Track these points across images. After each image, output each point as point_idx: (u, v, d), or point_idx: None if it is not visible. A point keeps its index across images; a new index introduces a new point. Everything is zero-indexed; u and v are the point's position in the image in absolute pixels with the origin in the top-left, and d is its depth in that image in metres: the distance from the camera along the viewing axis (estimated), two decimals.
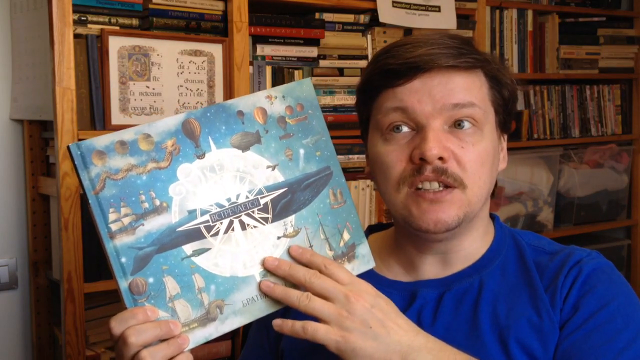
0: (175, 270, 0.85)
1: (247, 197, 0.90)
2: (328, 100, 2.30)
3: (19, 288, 2.15)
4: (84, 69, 1.84)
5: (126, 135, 0.85)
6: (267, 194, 0.91)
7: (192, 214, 0.87)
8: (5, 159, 2.12)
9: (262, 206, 0.90)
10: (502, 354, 0.92)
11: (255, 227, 0.89)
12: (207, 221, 0.87)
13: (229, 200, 0.89)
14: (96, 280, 1.87)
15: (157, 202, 0.85)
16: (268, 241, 0.90)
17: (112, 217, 0.83)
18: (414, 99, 0.93)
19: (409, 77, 0.93)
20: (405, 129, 0.94)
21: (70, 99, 1.79)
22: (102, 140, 0.84)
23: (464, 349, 0.92)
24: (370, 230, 1.12)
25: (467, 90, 0.94)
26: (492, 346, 0.92)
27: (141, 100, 1.90)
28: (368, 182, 2.33)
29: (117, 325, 0.83)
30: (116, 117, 1.87)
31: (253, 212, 0.90)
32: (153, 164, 0.86)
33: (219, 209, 0.88)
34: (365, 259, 0.96)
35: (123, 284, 0.84)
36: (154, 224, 0.85)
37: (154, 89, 1.92)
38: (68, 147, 0.83)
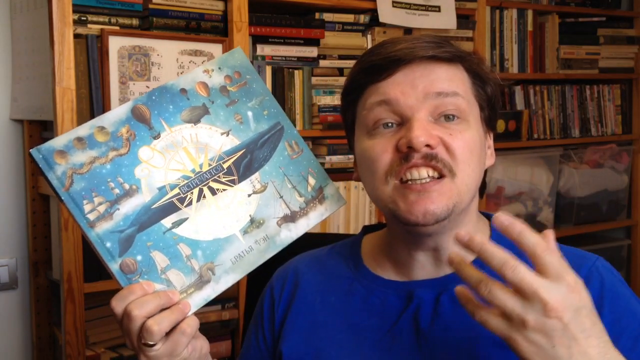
0: (160, 244, 0.90)
1: (210, 164, 0.95)
2: (328, 100, 2.30)
3: (19, 288, 2.15)
4: (84, 69, 1.85)
5: (81, 131, 0.90)
6: (227, 158, 0.97)
7: (161, 190, 0.92)
8: (5, 159, 2.12)
9: (226, 170, 0.96)
10: (503, 356, 0.91)
11: (224, 190, 0.95)
12: (178, 194, 0.93)
13: (193, 171, 0.94)
14: (96, 280, 1.87)
15: (127, 186, 0.90)
16: (240, 200, 0.96)
17: (87, 208, 0.88)
18: (397, 91, 0.93)
19: (391, 71, 0.93)
20: (390, 124, 0.94)
21: (70, 99, 1.79)
22: (60, 140, 0.89)
23: (464, 351, 0.92)
24: (365, 231, 1.12)
25: (450, 80, 0.94)
26: (494, 348, 0.92)
27: None
28: None
29: (117, 304, 0.86)
30: None
31: (219, 177, 0.95)
32: (114, 152, 0.91)
33: (186, 181, 0.93)
34: (335, 198, 1.03)
35: (114, 267, 0.88)
36: (129, 207, 0.90)
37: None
38: (29, 153, 0.88)
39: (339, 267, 1.06)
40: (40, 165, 0.87)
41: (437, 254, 0.98)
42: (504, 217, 0.75)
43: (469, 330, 0.93)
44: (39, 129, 2.11)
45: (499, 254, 0.73)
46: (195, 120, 0.96)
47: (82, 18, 1.85)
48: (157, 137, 0.93)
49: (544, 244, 0.74)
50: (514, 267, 0.72)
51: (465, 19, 2.62)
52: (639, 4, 3.30)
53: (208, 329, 2.10)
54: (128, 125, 0.92)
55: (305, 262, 1.11)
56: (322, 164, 2.26)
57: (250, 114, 1.00)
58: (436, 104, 0.92)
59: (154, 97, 0.94)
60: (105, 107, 1.85)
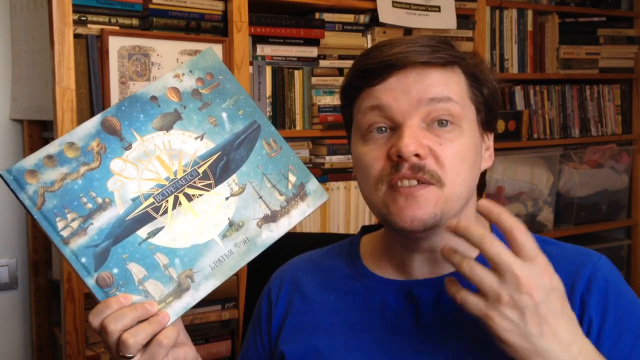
0: (136, 255, 0.89)
1: (184, 170, 0.94)
2: (328, 100, 2.30)
3: (19, 288, 2.15)
4: (84, 69, 1.85)
5: (51, 149, 0.89)
6: (202, 163, 0.94)
7: (135, 201, 0.91)
8: (5, 159, 2.12)
9: (201, 175, 0.94)
10: (505, 354, 0.92)
11: (200, 195, 0.94)
12: (153, 203, 0.91)
13: (167, 179, 0.93)
14: None
15: (100, 200, 0.89)
16: (217, 204, 0.94)
17: (60, 225, 0.88)
18: (390, 97, 0.93)
19: (385, 76, 0.94)
20: (383, 129, 0.94)
21: (70, 99, 1.79)
22: (29, 160, 0.88)
23: (468, 349, 0.92)
24: (363, 231, 1.12)
25: (444, 85, 0.93)
26: (495, 346, 0.92)
27: None
28: None
29: (94, 318, 0.87)
30: None
31: (195, 182, 0.94)
32: (85, 167, 0.90)
33: (160, 189, 0.92)
34: (317, 194, 0.99)
35: (90, 282, 0.89)
36: (102, 220, 0.89)
37: None
38: (0, 176, 0.87)
39: (337, 266, 1.07)
40: (11, 187, 0.87)
41: (435, 255, 0.98)
42: (485, 202, 0.82)
43: (471, 329, 0.93)
44: (39, 129, 2.11)
45: (478, 231, 0.81)
46: (168, 127, 0.94)
47: (82, 18, 1.85)
48: (128, 147, 0.92)
49: (521, 227, 0.81)
50: (491, 242, 0.80)
51: (465, 19, 2.62)
52: (639, 4, 3.30)
53: (208, 329, 2.10)
54: (98, 138, 0.91)
55: (303, 263, 1.11)
56: (322, 164, 2.27)
57: (224, 115, 0.97)
58: (429, 110, 0.92)
59: (123, 108, 0.93)
60: (105, 107, 1.85)
